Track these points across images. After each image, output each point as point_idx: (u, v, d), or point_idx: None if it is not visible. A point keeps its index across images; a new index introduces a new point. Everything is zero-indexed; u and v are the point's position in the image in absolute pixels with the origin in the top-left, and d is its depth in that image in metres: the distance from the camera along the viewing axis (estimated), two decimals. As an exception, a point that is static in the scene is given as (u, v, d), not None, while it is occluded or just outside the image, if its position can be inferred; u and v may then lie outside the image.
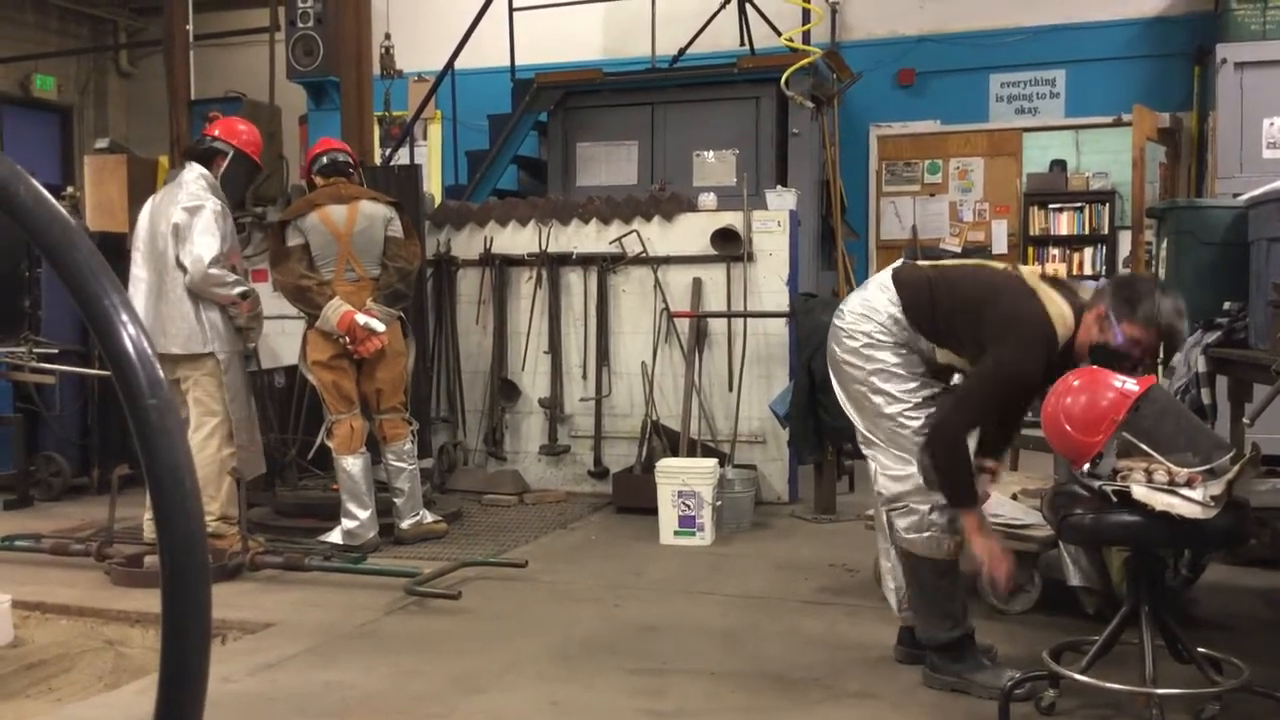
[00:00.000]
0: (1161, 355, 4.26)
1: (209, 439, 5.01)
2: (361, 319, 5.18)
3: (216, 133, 5.32)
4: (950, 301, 3.36)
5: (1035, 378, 3.21)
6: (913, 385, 3.35)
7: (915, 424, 3.32)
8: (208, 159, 5.23)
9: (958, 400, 3.30)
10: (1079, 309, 3.24)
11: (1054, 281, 3.37)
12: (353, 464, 5.27)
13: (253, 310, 5.17)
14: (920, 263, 3.66)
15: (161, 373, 0.87)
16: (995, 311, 3.27)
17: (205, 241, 4.97)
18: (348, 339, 5.20)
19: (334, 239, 5.32)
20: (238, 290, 5.06)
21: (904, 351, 3.36)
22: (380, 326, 5.22)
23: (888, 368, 3.36)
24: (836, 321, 3.50)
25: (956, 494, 3.25)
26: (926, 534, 3.34)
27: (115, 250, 6.13)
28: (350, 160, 5.59)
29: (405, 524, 5.45)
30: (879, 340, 3.37)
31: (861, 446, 3.49)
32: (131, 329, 0.86)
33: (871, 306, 3.41)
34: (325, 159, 5.51)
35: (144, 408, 0.85)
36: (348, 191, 5.41)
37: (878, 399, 3.37)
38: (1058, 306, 3.24)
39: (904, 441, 3.34)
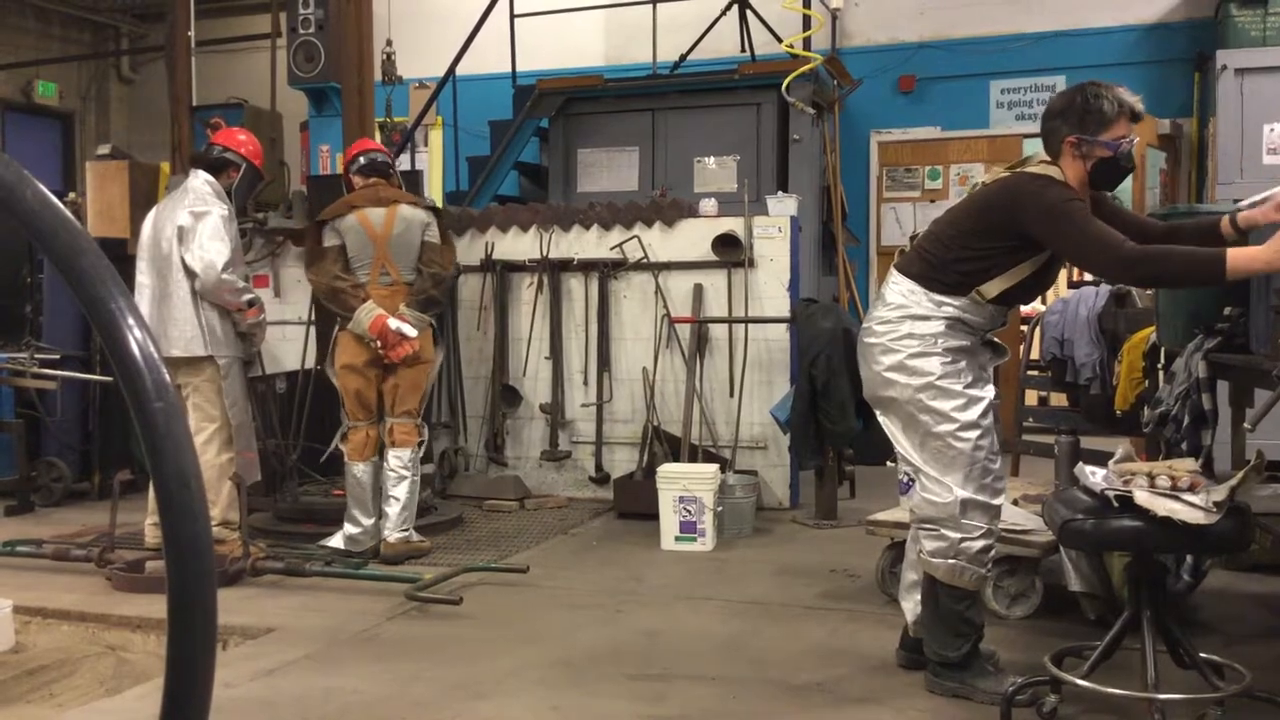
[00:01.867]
0: (1162, 362, 4.28)
1: (207, 444, 5.03)
2: (394, 324, 5.12)
3: (224, 142, 5.37)
4: (939, 232, 3.36)
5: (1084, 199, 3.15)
6: (961, 402, 3.26)
7: (965, 445, 3.24)
8: (217, 169, 5.27)
9: (1082, 248, 3.11)
10: (1044, 163, 3.27)
11: None
12: (363, 471, 5.26)
13: (256, 318, 5.23)
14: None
15: (168, 376, 0.88)
16: (998, 196, 3.26)
17: (215, 247, 5.02)
18: (379, 343, 5.16)
19: (371, 242, 5.26)
20: (246, 299, 5.15)
21: (949, 360, 3.28)
22: (412, 331, 5.15)
23: (934, 382, 3.26)
24: (868, 339, 3.39)
25: (1209, 269, 2.97)
26: (951, 561, 3.30)
27: (116, 256, 6.14)
28: (389, 162, 5.55)
29: (393, 537, 5.17)
30: (926, 349, 3.27)
31: (900, 465, 3.41)
32: (138, 332, 0.86)
33: (900, 304, 3.34)
34: (363, 159, 5.47)
35: (151, 411, 0.85)
36: (387, 194, 5.36)
37: (925, 418, 3.28)
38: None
39: (950, 462, 3.26)
